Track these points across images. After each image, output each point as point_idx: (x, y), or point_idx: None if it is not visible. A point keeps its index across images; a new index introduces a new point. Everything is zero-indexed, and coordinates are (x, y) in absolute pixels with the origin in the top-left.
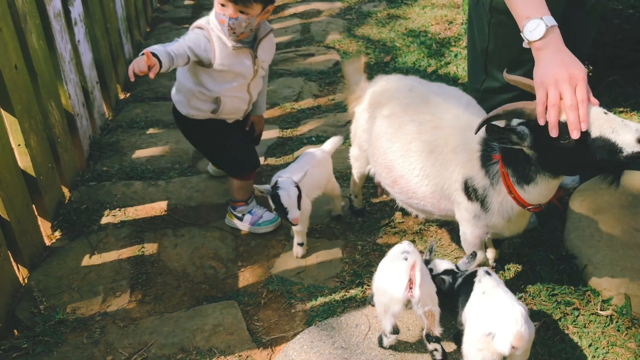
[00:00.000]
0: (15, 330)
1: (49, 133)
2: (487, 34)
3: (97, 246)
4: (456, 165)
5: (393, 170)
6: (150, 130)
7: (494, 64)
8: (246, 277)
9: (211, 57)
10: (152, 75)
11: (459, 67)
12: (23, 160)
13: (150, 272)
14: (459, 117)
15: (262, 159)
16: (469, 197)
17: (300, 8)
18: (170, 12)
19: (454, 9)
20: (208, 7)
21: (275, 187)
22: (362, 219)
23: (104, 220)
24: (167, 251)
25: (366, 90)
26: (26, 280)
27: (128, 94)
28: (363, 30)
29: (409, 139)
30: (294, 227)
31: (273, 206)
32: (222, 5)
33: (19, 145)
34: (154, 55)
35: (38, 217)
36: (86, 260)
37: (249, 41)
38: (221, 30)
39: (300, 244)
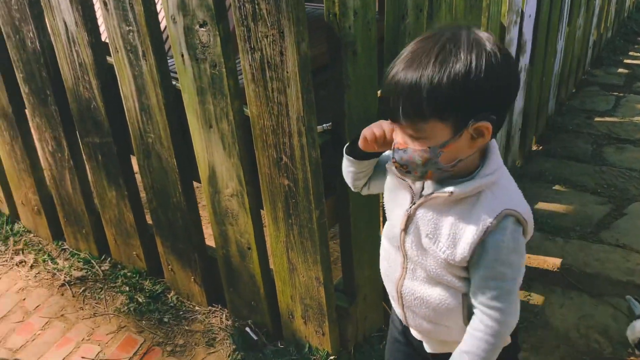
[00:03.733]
0: None
1: None
2: None
3: None
4: None
5: None
6: (557, 187)
7: None
8: None
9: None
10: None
11: None
12: None
13: (532, 322)
14: None
15: None
16: None
17: None
18: (599, 77)
19: None
20: None
21: None
22: None
23: None
24: (552, 307)
25: None
26: None
27: (541, 147)
28: None
29: None
30: None
31: None
32: (392, 128)
33: None
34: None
35: None
36: None
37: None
38: None
39: None
